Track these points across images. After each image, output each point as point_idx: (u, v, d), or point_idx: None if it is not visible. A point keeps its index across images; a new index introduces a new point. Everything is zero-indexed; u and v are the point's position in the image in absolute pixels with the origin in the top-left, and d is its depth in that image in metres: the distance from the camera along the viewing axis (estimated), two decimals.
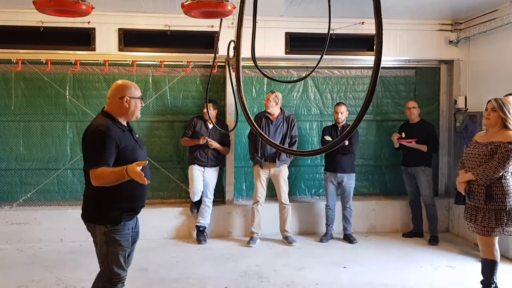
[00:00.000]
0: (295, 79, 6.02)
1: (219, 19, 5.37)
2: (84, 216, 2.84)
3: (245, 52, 5.11)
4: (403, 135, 5.54)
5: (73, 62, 5.44)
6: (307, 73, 3.38)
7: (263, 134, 1.51)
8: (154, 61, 5.71)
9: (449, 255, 5.05)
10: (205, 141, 5.39)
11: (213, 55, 5.59)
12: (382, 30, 1.23)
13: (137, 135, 2.96)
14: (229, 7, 3.01)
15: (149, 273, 4.45)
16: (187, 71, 5.72)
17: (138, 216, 2.99)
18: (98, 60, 5.56)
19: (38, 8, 2.78)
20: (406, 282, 4.24)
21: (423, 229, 5.65)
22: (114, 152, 2.66)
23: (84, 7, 2.85)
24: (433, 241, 5.37)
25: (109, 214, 2.74)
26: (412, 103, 5.68)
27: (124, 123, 2.86)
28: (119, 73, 5.73)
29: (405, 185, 5.73)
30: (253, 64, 5.73)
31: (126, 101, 2.78)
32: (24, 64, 5.43)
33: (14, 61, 5.36)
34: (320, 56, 5.98)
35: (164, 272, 4.49)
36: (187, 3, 2.98)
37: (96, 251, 2.82)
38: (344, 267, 4.63)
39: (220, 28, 4.17)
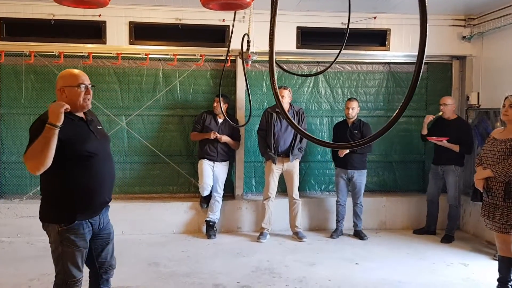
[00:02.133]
0: (305, 74, 5.99)
1: (230, 13, 5.42)
2: (40, 216, 2.69)
3: (259, 46, 5.09)
4: (440, 113, 5.35)
5: (86, 55, 5.40)
6: (327, 67, 3.33)
7: (302, 129, 1.47)
8: (166, 54, 5.65)
9: (461, 252, 5.01)
10: (214, 137, 5.36)
11: (224, 49, 5.60)
12: (426, 16, 1.17)
13: (99, 127, 2.81)
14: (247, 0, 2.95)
15: (160, 267, 4.44)
16: (199, 64, 5.68)
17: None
18: (109, 53, 5.52)
19: None
20: (419, 279, 4.20)
21: (436, 227, 5.60)
22: None
23: None
24: (446, 239, 5.32)
25: (62, 212, 2.59)
26: (445, 99, 5.46)
27: (78, 114, 2.67)
28: (129, 66, 5.71)
29: (429, 184, 5.60)
30: (266, 59, 5.68)
31: (63, 92, 2.63)
32: (34, 57, 5.40)
33: (27, 54, 5.32)
34: (336, 50, 5.93)
35: (175, 266, 4.47)
36: None
37: (51, 252, 2.67)
38: (356, 264, 4.60)
39: (233, 21, 4.14)
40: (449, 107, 5.42)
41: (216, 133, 5.39)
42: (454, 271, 4.46)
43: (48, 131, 2.39)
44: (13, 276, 4.15)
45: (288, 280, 4.12)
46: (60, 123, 2.41)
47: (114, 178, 2.86)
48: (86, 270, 2.83)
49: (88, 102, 2.68)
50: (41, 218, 2.71)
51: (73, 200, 2.61)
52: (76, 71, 2.72)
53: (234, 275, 4.22)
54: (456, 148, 5.26)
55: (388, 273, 4.35)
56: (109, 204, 2.86)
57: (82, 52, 5.48)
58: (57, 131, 2.41)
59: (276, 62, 3.28)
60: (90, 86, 2.69)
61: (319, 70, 6.04)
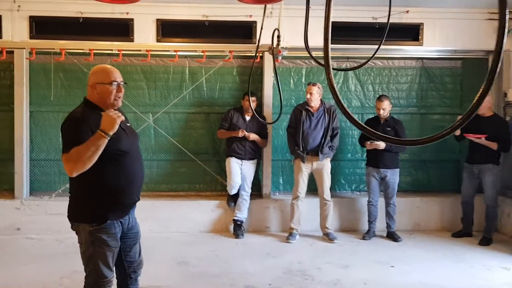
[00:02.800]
0: (334, 69, 5.84)
1: (257, 9, 5.32)
2: (68, 215, 2.65)
3: (289, 41, 4.95)
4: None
5: (116, 51, 5.37)
6: (368, 58, 3.20)
7: (373, 131, 1.35)
8: (195, 50, 5.54)
9: (501, 255, 4.78)
10: (242, 135, 5.27)
11: (251, 45, 5.51)
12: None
13: (128, 124, 2.75)
14: None
15: (190, 267, 4.37)
16: (228, 60, 5.59)
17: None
18: (138, 51, 5.48)
19: None
20: (459, 283, 4.03)
21: (473, 229, 5.39)
22: (88, 138, 2.40)
23: None
24: (485, 242, 5.09)
25: (94, 212, 2.53)
26: None
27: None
28: (156, 64, 5.65)
29: (463, 184, 5.38)
30: (294, 55, 5.55)
31: (94, 88, 2.57)
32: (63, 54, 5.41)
33: (58, 51, 5.32)
34: (366, 46, 5.74)
35: (204, 266, 4.39)
36: None
37: (81, 252, 2.62)
38: (392, 266, 4.43)
39: (263, 16, 4.03)
40: (484, 103, 5.19)
41: (244, 131, 5.29)
42: (495, 275, 4.25)
43: (99, 139, 2.37)
44: (44, 273, 4.14)
45: (321, 283, 3.99)
46: (113, 133, 2.39)
47: (143, 177, 2.79)
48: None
49: (119, 101, 2.62)
50: (70, 218, 2.66)
51: (104, 199, 2.55)
52: (108, 67, 2.65)
53: (265, 277, 4.12)
54: (494, 146, 5.02)
55: (425, 276, 4.18)
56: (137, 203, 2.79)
57: (111, 50, 5.45)
58: (107, 140, 2.37)
59: (312, 57, 3.17)
60: (122, 83, 2.62)
61: (348, 66, 5.88)
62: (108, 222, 2.54)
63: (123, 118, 2.47)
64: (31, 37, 5.34)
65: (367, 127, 1.36)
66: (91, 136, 2.39)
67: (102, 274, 2.59)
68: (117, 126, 2.39)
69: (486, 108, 5.19)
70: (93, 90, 2.58)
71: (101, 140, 2.36)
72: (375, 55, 6.17)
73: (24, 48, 5.36)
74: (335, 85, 1.43)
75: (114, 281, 2.75)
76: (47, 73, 5.55)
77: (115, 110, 2.64)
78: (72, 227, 2.64)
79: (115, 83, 2.57)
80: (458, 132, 5.17)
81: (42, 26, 5.36)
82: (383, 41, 2.98)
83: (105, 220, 2.54)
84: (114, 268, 2.66)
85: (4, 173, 5.62)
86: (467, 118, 1.18)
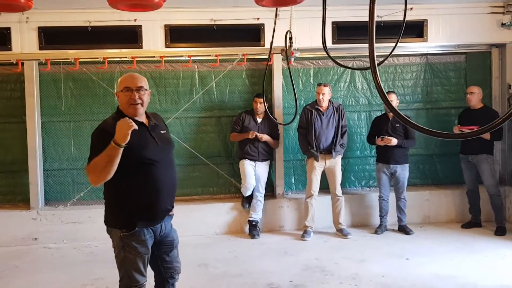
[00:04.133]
0: (341, 70, 5.94)
1: (265, 11, 5.38)
2: (104, 219, 2.74)
3: (300, 43, 5.02)
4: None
5: (126, 59, 5.43)
6: (383, 59, 3.28)
7: (425, 128, 1.43)
8: (209, 55, 5.59)
9: None
10: (253, 136, 5.35)
11: (260, 47, 5.59)
12: None
13: (163, 131, 2.75)
14: None
15: (210, 268, 4.45)
16: (241, 64, 5.67)
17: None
18: (152, 57, 5.54)
19: (110, 3, 2.75)
20: (474, 273, 4.12)
21: (481, 219, 5.50)
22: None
23: (156, 0, 2.80)
24: (500, 232, 5.20)
25: (123, 218, 2.60)
26: (471, 88, 5.44)
27: (140, 119, 2.62)
28: (165, 69, 5.72)
29: (463, 174, 5.54)
30: (300, 56, 5.59)
31: (118, 97, 2.65)
32: (72, 64, 5.46)
33: (68, 61, 5.38)
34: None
35: (224, 267, 4.47)
36: None
37: (114, 256, 2.70)
38: (407, 259, 4.53)
39: (275, 19, 4.11)
40: (475, 95, 5.38)
41: (255, 132, 5.37)
42: (510, 263, 4.35)
43: (112, 150, 2.39)
44: (66, 282, 4.21)
45: (341, 278, 4.08)
46: (125, 143, 2.40)
47: (175, 185, 2.80)
48: (151, 274, 2.85)
49: (135, 109, 2.58)
50: (105, 222, 2.75)
51: (133, 207, 2.60)
52: (128, 75, 2.70)
53: (286, 274, 4.20)
54: (487, 136, 5.20)
55: (441, 267, 4.27)
56: (172, 211, 2.82)
57: (123, 57, 5.51)
58: (121, 150, 2.40)
59: (330, 57, 3.25)
60: (138, 89, 2.59)
61: (355, 65, 5.98)
62: (137, 229, 2.59)
63: (135, 127, 2.42)
64: (40, 48, 5.36)
65: (426, 128, 1.45)
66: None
67: (134, 279, 2.66)
68: (128, 137, 2.38)
69: (476, 101, 5.38)
70: (118, 99, 2.68)
71: (113, 151, 2.39)
72: (382, 53, 6.29)
73: (34, 60, 5.41)
74: (382, 87, 1.51)
75: (149, 284, 2.82)
76: (57, 83, 5.61)
77: (148, 116, 2.72)
78: (107, 231, 2.74)
79: (127, 89, 2.59)
80: (457, 131, 5.31)
81: (51, 37, 5.39)
82: (399, 39, 3.08)
83: (134, 227, 2.59)
84: (146, 273, 2.72)
85: (19, 184, 5.67)
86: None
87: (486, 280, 3.96)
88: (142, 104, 2.62)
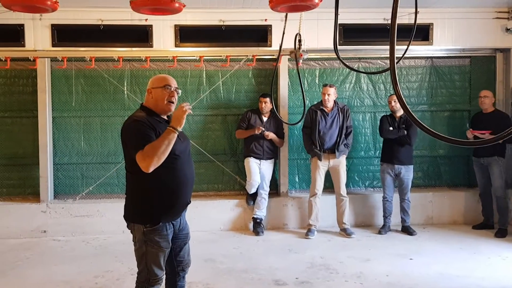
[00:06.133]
0: (347, 71, 6.02)
1: (273, 13, 5.47)
2: (125, 215, 2.79)
3: (307, 44, 5.11)
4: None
5: (143, 59, 5.53)
6: (398, 59, 3.37)
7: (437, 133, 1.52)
8: (220, 56, 5.70)
9: None
10: (260, 131, 5.43)
11: (268, 48, 5.68)
12: None
13: (181, 130, 2.88)
14: (316, 0, 3.02)
15: (217, 263, 4.54)
16: (251, 64, 5.77)
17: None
18: (164, 56, 5.64)
19: (134, 7, 2.84)
20: (476, 273, 4.20)
21: (493, 221, 5.59)
22: (154, 138, 2.57)
23: (177, 5, 2.90)
24: (500, 233, 5.28)
25: (148, 213, 2.68)
26: (484, 92, 5.53)
27: (163, 116, 2.79)
28: (174, 68, 5.80)
29: (476, 177, 5.64)
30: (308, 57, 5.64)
31: (150, 93, 2.76)
32: (84, 61, 5.55)
33: (79, 58, 5.47)
34: (378, 46, 5.90)
35: (230, 263, 4.56)
36: None
37: (135, 250, 2.77)
38: (411, 259, 4.61)
39: (285, 21, 4.20)
40: (488, 99, 5.49)
41: (261, 127, 5.45)
42: None
43: (169, 133, 2.54)
44: (78, 274, 4.30)
45: (346, 276, 4.17)
46: (181, 128, 2.56)
47: (194, 180, 2.91)
48: None
49: (171, 105, 2.76)
50: (126, 218, 2.80)
51: (158, 201, 2.68)
52: (164, 75, 2.85)
53: (291, 271, 4.29)
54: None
55: (444, 267, 4.36)
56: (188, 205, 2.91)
57: (134, 56, 5.62)
58: (177, 134, 2.54)
59: (340, 59, 3.33)
60: (175, 89, 2.78)
61: (360, 66, 6.06)
62: (160, 224, 2.68)
63: (191, 111, 2.61)
64: (53, 45, 5.48)
65: (444, 136, 1.54)
66: (154, 136, 2.57)
67: (153, 273, 2.74)
68: (183, 121, 2.55)
69: (489, 105, 5.47)
70: (149, 95, 2.77)
71: (171, 135, 2.53)
72: (387, 55, 6.36)
73: (47, 58, 5.51)
74: (402, 96, 1.60)
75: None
76: (69, 79, 5.72)
77: (168, 115, 2.82)
78: (127, 226, 2.79)
79: (168, 87, 2.74)
80: (470, 135, 5.38)
81: (63, 34, 5.50)
82: (411, 41, 3.17)
83: (158, 222, 2.68)
84: (164, 267, 2.80)
85: (29, 178, 5.78)
86: None
87: (488, 281, 4.04)
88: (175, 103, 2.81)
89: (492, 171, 5.39)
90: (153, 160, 2.51)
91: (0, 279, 4.16)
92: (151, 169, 2.53)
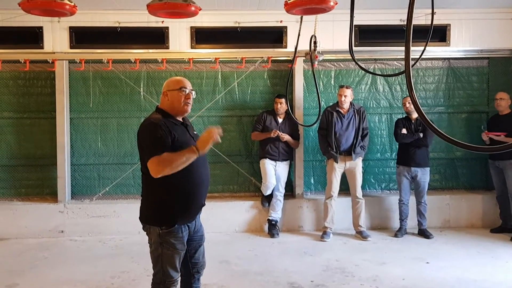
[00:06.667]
0: (362, 72, 5.99)
1: (288, 14, 5.46)
2: (140, 217, 2.81)
3: (322, 45, 5.09)
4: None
5: (160, 60, 5.57)
6: (415, 61, 3.34)
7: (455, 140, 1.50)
8: (235, 58, 5.70)
9: None
10: (276, 135, 5.43)
11: (283, 49, 5.68)
12: None
13: (195, 132, 2.92)
14: (331, 3, 3.01)
15: (232, 266, 4.55)
16: (267, 66, 5.77)
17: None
18: (181, 58, 5.69)
19: (150, 11, 2.87)
20: (495, 278, 4.14)
21: None
22: (170, 143, 2.60)
23: (193, 8, 2.93)
24: None
25: (164, 215, 2.69)
26: (500, 94, 5.48)
27: (178, 118, 2.81)
28: (190, 69, 5.83)
29: (493, 179, 5.58)
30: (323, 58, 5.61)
31: (166, 95, 2.77)
32: (101, 63, 5.61)
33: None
34: (394, 47, 5.85)
35: (246, 265, 4.57)
36: (291, 1, 2.99)
37: (150, 252, 2.78)
38: (427, 263, 4.56)
39: (301, 23, 4.19)
40: (505, 101, 5.44)
41: (277, 131, 5.45)
42: None
43: (191, 152, 2.57)
44: (94, 274, 4.35)
45: (361, 279, 4.14)
46: (203, 152, 2.58)
47: (209, 182, 2.92)
48: None
49: (188, 107, 2.79)
50: (142, 220, 2.82)
51: (174, 203, 2.70)
52: (180, 78, 2.86)
53: (306, 274, 4.28)
54: None
55: (461, 272, 4.30)
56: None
57: (150, 58, 5.67)
58: (197, 156, 2.57)
59: (357, 63, 3.31)
60: (191, 91, 2.81)
61: (376, 67, 6.02)
62: (176, 226, 2.70)
63: (219, 139, 2.63)
64: (71, 47, 5.56)
65: (461, 142, 1.52)
66: (170, 140, 2.60)
67: (168, 275, 2.75)
68: (209, 147, 2.58)
69: (505, 107, 5.44)
70: (165, 98, 2.79)
71: (192, 155, 2.56)
72: (401, 56, 6.32)
73: (65, 60, 5.59)
74: (419, 104, 1.59)
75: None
76: (86, 81, 5.79)
77: (183, 117, 2.84)
78: (143, 228, 2.81)
79: (184, 89, 2.77)
80: (487, 141, 5.32)
81: (81, 36, 5.58)
82: (428, 42, 3.14)
83: (174, 224, 2.69)
84: (179, 269, 2.82)
85: (47, 178, 5.87)
86: None
87: (506, 285, 3.98)
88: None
89: (507, 174, 5.32)
90: (165, 170, 2.55)
91: (19, 278, 4.23)
92: (159, 175, 2.56)
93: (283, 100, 5.50)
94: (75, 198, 5.83)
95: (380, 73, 6.02)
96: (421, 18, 5.66)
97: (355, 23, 6.06)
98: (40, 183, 5.89)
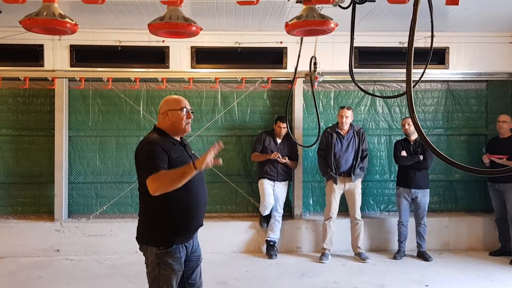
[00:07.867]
0: (362, 93, 6.01)
1: (288, 36, 5.53)
2: (137, 237, 2.77)
3: (322, 66, 5.13)
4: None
5: (160, 79, 5.59)
6: (416, 82, 3.36)
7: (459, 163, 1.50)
8: (235, 78, 5.73)
9: None
10: (276, 157, 5.42)
11: (283, 70, 5.72)
12: None
13: (193, 151, 2.91)
14: (332, 25, 3.04)
15: (229, 287, 4.49)
16: (266, 86, 5.80)
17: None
18: (180, 78, 5.72)
19: (151, 30, 2.90)
20: None
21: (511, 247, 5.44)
22: (166, 162, 2.59)
23: (194, 28, 2.95)
24: None
25: (161, 235, 2.66)
26: (503, 117, 5.50)
27: (176, 138, 2.80)
28: (189, 89, 5.85)
29: (492, 202, 5.57)
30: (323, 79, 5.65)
31: (166, 115, 2.77)
32: (101, 81, 5.63)
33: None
34: (394, 69, 5.89)
35: (243, 286, 4.51)
36: (291, 22, 3.02)
37: (147, 272, 2.74)
38: (426, 286, 4.52)
39: (301, 44, 4.23)
40: (506, 124, 5.47)
41: (278, 154, 5.44)
42: None
43: (189, 169, 2.51)
44: None
45: None
46: (201, 169, 2.53)
47: (207, 202, 2.90)
48: None
49: (189, 126, 2.79)
50: (138, 240, 2.78)
51: (172, 223, 2.67)
52: (178, 96, 2.87)
53: None
54: None
55: None
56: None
57: (150, 77, 5.69)
58: (194, 173, 2.51)
59: (357, 84, 3.33)
60: (190, 111, 2.81)
61: (376, 89, 6.06)
62: (174, 246, 2.67)
63: (220, 161, 2.58)
64: (71, 65, 5.58)
65: (461, 164, 1.52)
66: (166, 159, 2.58)
67: None
68: (205, 166, 2.51)
69: (506, 130, 5.45)
70: (165, 117, 2.78)
71: (190, 171, 2.50)
72: (403, 78, 6.37)
73: (65, 78, 5.61)
74: (420, 125, 1.59)
75: None
76: (86, 99, 5.80)
77: (181, 137, 2.83)
78: (140, 248, 2.78)
79: (185, 109, 2.77)
80: (488, 163, 5.35)
81: (82, 55, 5.61)
82: (427, 65, 3.17)
83: (172, 244, 2.66)
84: None
85: (43, 196, 5.83)
86: None
87: None
88: None
89: (508, 197, 5.31)
90: (162, 187, 2.53)
91: None
92: (157, 194, 2.53)
93: (285, 124, 5.49)
94: (72, 217, 5.78)
95: (379, 94, 6.05)
96: (420, 40, 5.75)
97: (355, 44, 6.16)
98: (37, 201, 5.84)
